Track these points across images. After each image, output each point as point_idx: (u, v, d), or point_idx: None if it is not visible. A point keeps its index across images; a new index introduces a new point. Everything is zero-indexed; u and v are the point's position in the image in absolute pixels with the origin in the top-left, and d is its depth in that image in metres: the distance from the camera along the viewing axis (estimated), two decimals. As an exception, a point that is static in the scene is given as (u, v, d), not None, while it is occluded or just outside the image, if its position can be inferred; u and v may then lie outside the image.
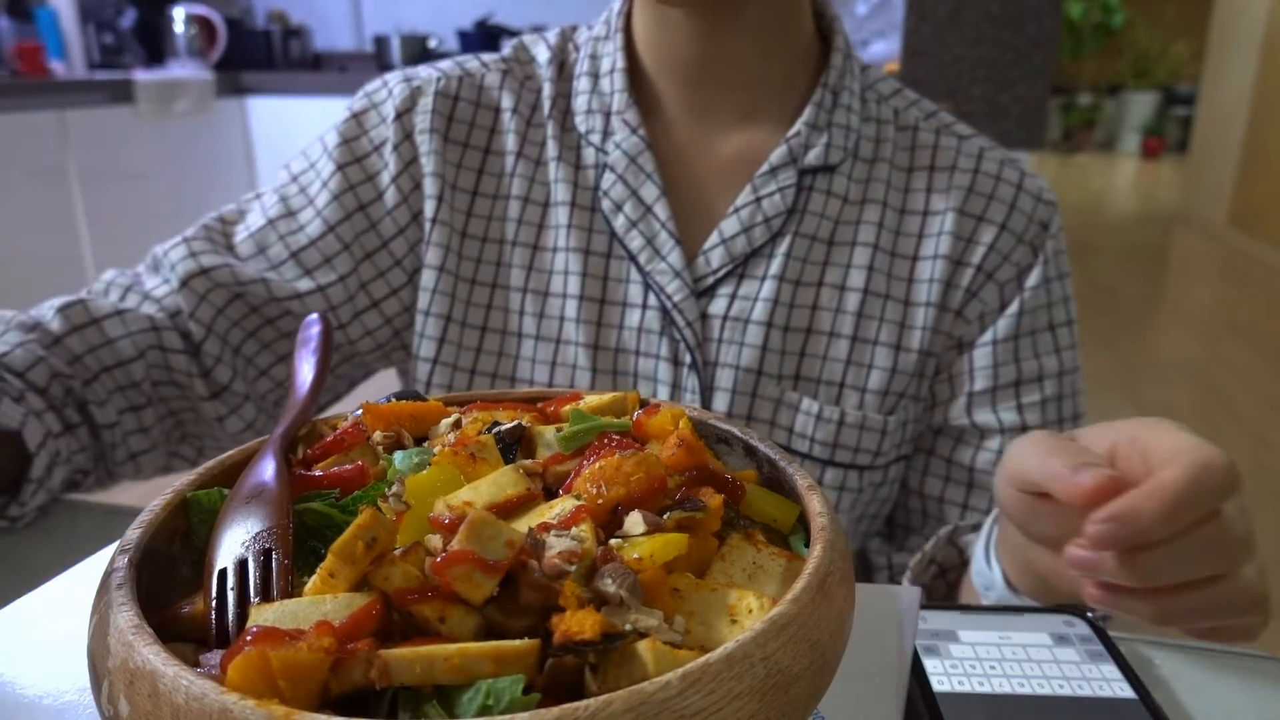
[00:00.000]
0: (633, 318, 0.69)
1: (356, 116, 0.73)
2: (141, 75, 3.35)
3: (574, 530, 0.28)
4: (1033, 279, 0.69)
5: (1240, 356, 3.70)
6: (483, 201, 0.71)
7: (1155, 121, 9.87)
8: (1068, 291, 0.71)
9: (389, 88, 0.73)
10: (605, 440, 0.35)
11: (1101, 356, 3.64)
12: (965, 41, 2.45)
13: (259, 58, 3.99)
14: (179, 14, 3.72)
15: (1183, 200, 6.63)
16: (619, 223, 0.68)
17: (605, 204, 0.68)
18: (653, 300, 0.68)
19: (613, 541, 0.28)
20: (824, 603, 0.28)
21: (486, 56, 0.75)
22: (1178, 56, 9.29)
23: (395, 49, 3.90)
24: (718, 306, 0.68)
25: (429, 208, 0.70)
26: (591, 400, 0.42)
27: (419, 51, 3.97)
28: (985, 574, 0.54)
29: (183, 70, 3.59)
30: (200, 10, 3.79)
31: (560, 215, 0.70)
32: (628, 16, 0.71)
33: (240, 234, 0.73)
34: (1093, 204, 7.30)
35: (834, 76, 0.69)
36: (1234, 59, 5.65)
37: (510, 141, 0.71)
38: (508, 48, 0.75)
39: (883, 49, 2.97)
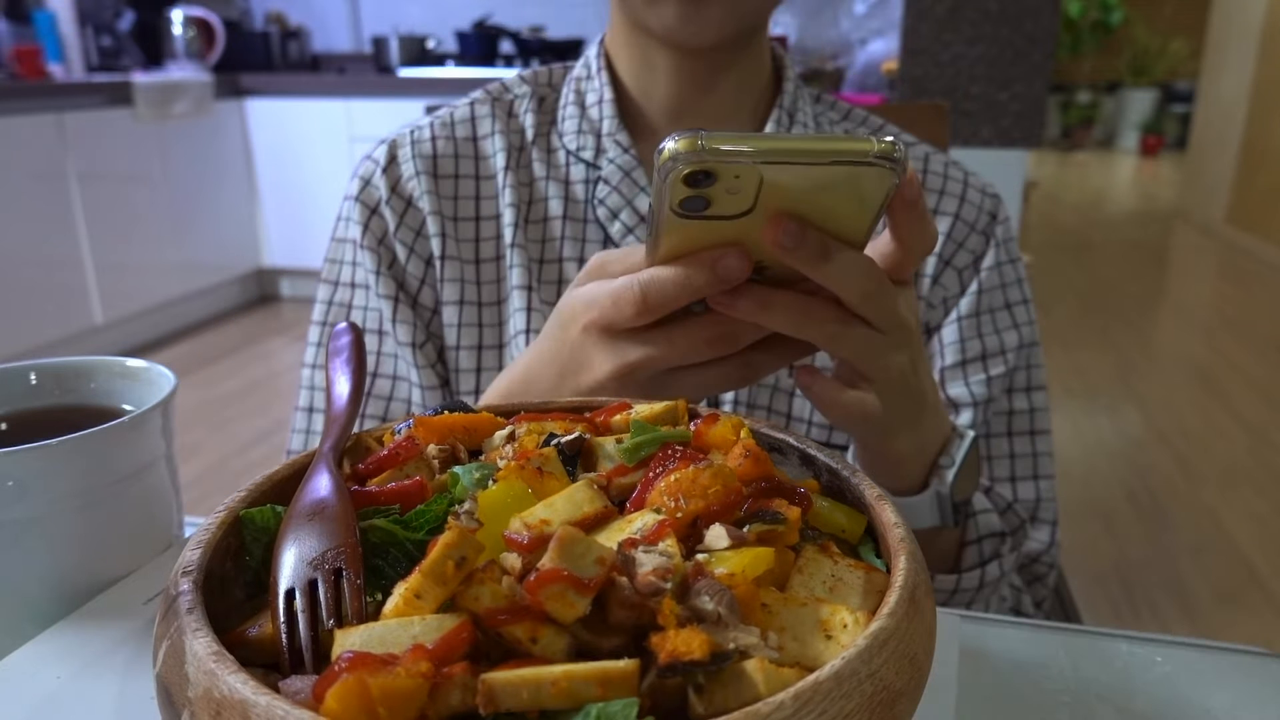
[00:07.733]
0: None
1: (357, 199, 0.74)
2: (140, 77, 3.33)
3: (660, 545, 0.27)
4: (987, 261, 0.75)
5: (1239, 353, 3.70)
6: (488, 224, 0.74)
7: (1154, 119, 9.88)
8: (1020, 275, 0.77)
9: (371, 157, 0.76)
10: (671, 451, 0.35)
11: (1101, 353, 3.64)
12: (963, 40, 2.44)
13: (257, 59, 3.97)
14: (177, 16, 3.70)
15: (1181, 197, 6.64)
16: (615, 229, 0.71)
17: (601, 211, 0.71)
18: None
19: (699, 556, 0.28)
20: (916, 616, 0.27)
21: (459, 100, 0.78)
22: (1176, 54, 9.29)
23: (394, 50, 3.88)
24: None
25: (435, 245, 0.72)
26: (643, 410, 0.41)
27: (417, 52, 3.94)
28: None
29: (181, 72, 3.57)
30: (198, 12, 3.77)
31: (554, 229, 0.73)
32: (607, 56, 0.75)
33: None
34: (1092, 201, 7.31)
35: (788, 100, 0.74)
36: (1232, 56, 5.66)
37: (500, 160, 0.74)
38: (480, 90, 0.78)
39: (881, 47, 2.98)
